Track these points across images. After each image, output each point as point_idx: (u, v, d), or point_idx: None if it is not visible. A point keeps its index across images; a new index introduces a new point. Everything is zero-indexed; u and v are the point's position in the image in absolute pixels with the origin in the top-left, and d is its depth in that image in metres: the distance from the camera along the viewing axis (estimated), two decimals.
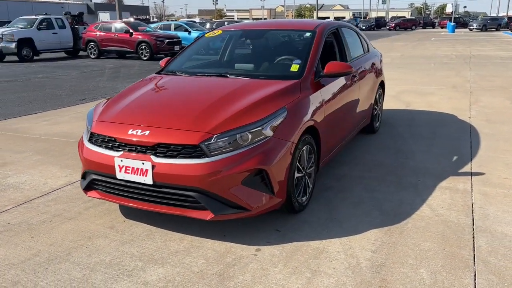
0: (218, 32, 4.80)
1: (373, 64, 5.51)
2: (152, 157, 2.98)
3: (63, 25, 19.89)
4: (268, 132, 3.05)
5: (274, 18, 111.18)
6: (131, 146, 3.06)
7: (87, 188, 3.40)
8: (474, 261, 2.81)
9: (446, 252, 2.91)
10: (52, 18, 19.63)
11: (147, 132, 3.04)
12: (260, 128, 3.03)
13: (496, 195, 3.82)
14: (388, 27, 60.30)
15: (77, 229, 3.32)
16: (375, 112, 5.82)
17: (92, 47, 19.28)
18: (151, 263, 2.84)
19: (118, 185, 3.17)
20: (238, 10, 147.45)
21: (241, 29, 4.84)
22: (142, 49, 18.32)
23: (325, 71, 3.87)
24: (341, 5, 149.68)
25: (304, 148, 3.43)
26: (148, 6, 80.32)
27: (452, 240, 3.08)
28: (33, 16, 19.86)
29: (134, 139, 3.04)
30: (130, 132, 3.09)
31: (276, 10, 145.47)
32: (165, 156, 2.96)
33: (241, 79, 3.79)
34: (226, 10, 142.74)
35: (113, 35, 18.84)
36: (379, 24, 65.03)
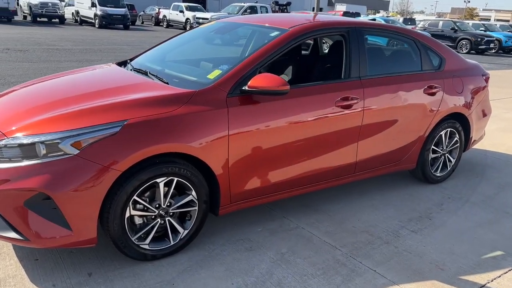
0: (212, 22, 4.06)
1: (432, 87, 3.84)
2: None
3: (266, 13, 20.98)
4: (69, 149, 2.36)
5: None
6: None
7: None
8: None
9: None
10: (257, 6, 20.94)
11: None
12: (57, 141, 2.38)
13: None
14: None
15: None
16: (434, 156, 4.12)
17: None
18: None
19: None
20: (497, 10, 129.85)
21: (224, 22, 3.96)
22: None
23: (248, 85, 2.83)
24: None
25: (160, 181, 2.59)
26: (389, 2, 77.96)
27: None
28: (242, 4, 21.52)
29: None
30: None
31: None
32: None
33: (146, 79, 3.09)
34: (483, 10, 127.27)
35: None
36: None
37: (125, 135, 2.45)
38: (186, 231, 2.80)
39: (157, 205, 2.64)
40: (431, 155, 4.09)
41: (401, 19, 28.99)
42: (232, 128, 2.78)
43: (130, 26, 28.07)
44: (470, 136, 4.35)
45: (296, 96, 3.06)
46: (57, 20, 26.54)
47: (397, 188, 4.08)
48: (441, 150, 4.16)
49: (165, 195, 2.66)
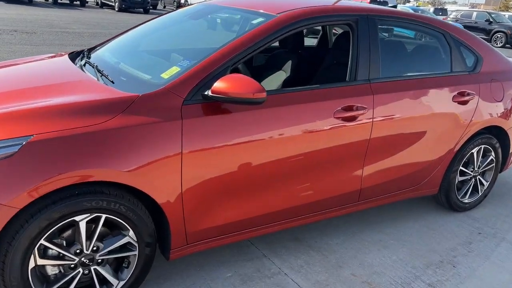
0: (194, 4, 3.30)
1: (463, 94, 3.03)
2: None
3: None
4: None
5: None
6: None
7: None
8: None
9: None
10: None
11: None
12: None
13: None
14: None
15: None
16: (462, 179, 3.31)
17: None
18: None
19: None
20: None
21: (206, 4, 3.18)
22: None
23: (211, 89, 2.09)
24: None
25: (80, 219, 1.90)
26: None
27: None
28: None
29: None
30: None
31: None
32: None
33: (88, 77, 2.39)
34: None
35: None
36: None
37: (27, 158, 1.75)
38: (122, 282, 2.11)
39: (77, 251, 1.96)
40: (458, 178, 3.28)
41: (431, 9, 27.51)
42: (188, 146, 2.06)
43: (151, 10, 27.47)
44: (510, 152, 3.50)
45: (280, 104, 2.31)
46: (78, 2, 26.15)
47: (413, 216, 3.30)
48: (471, 171, 3.34)
49: (89, 237, 1.97)
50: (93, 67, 2.50)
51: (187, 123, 2.06)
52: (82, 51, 3.06)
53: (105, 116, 1.95)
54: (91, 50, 3.09)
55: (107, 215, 1.96)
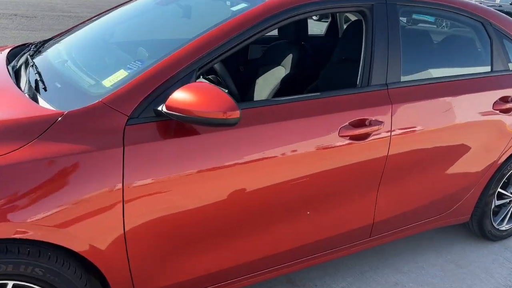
0: None
1: (507, 99, 2.40)
2: None
3: None
4: None
5: None
6: None
7: None
8: None
9: None
10: None
11: None
12: None
13: None
14: None
15: None
16: (500, 203, 2.70)
17: None
18: None
19: None
20: None
21: None
22: None
23: (167, 104, 1.51)
24: None
25: None
26: None
27: None
28: None
29: None
30: None
31: None
32: None
33: (11, 85, 1.82)
34: None
35: None
36: None
37: None
38: None
39: None
40: (496, 202, 2.67)
41: None
42: (132, 180, 1.49)
43: None
44: None
45: (268, 120, 1.72)
46: None
47: (436, 247, 2.70)
48: (509, 193, 2.72)
49: None
50: (32, 69, 1.93)
51: (132, 150, 1.49)
52: (30, 44, 2.49)
53: (12, 144, 1.38)
54: (45, 42, 2.52)
55: (15, 282, 1.41)
